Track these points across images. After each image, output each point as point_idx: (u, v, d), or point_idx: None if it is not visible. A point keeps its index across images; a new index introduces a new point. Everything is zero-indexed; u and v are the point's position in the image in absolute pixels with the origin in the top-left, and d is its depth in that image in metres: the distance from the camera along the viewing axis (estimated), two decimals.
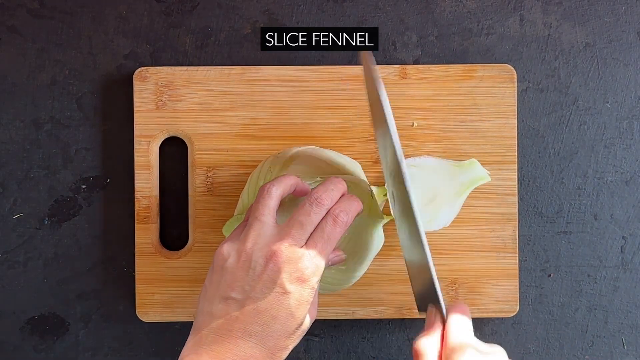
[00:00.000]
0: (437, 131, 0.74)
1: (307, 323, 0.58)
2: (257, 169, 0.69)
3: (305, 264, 0.56)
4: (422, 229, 0.60)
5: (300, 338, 0.58)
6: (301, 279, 0.56)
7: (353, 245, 0.64)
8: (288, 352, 0.57)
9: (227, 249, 0.58)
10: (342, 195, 0.61)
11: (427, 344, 0.56)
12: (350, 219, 0.60)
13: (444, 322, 0.58)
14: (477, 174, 0.71)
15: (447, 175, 0.71)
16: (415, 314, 0.74)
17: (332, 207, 0.59)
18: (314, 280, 0.57)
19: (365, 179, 0.70)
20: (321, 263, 0.57)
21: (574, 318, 0.77)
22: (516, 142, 0.74)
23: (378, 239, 0.67)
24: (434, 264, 0.60)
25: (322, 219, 0.59)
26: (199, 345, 0.55)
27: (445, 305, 0.59)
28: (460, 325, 0.57)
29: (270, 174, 0.66)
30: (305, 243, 0.57)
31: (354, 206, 0.60)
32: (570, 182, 0.76)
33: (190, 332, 0.57)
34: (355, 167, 0.70)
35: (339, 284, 0.66)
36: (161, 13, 0.76)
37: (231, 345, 0.55)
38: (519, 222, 0.75)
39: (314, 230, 0.58)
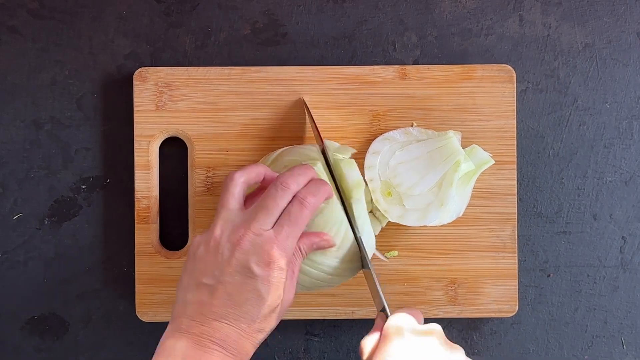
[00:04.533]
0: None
1: (283, 306, 0.59)
2: None
3: (272, 247, 0.57)
4: (363, 241, 0.64)
5: (277, 320, 0.59)
6: (268, 262, 0.57)
7: (344, 230, 0.64)
8: (266, 333, 0.58)
9: (199, 238, 0.60)
10: (313, 179, 0.62)
11: (367, 342, 0.59)
12: (318, 201, 0.60)
13: None
14: (481, 158, 0.71)
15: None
16: None
17: (299, 191, 0.60)
18: (282, 263, 0.57)
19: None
20: (289, 246, 0.58)
21: (573, 318, 0.77)
22: (515, 143, 0.74)
23: (369, 224, 0.67)
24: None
25: (289, 203, 0.60)
26: (177, 330, 0.57)
27: (388, 310, 0.61)
28: (395, 318, 0.58)
29: None
30: (272, 227, 0.58)
31: (322, 190, 0.61)
32: (569, 182, 0.77)
33: (170, 321, 0.59)
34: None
35: (338, 274, 0.65)
36: (161, 13, 0.76)
37: (206, 327, 0.56)
38: (518, 222, 0.75)
39: (281, 215, 0.59)
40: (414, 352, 0.55)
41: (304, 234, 0.61)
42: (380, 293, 0.62)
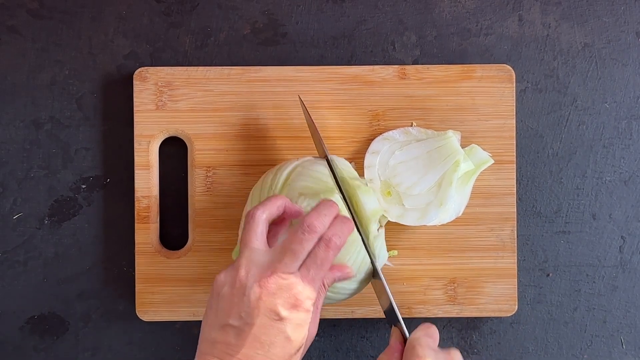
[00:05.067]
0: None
1: (307, 342, 0.60)
2: (257, 184, 0.69)
3: (299, 290, 0.57)
4: (375, 257, 0.65)
5: (301, 357, 0.59)
6: (295, 305, 0.57)
7: (362, 255, 0.65)
8: None
9: (223, 277, 0.59)
10: (336, 217, 0.62)
11: None
12: (343, 242, 0.61)
13: (405, 341, 0.62)
14: (480, 158, 0.71)
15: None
16: (414, 313, 0.74)
17: (325, 232, 0.60)
18: (308, 304, 0.58)
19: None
20: (315, 288, 0.59)
21: (572, 317, 0.77)
22: (515, 142, 0.75)
23: (384, 247, 0.68)
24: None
25: (315, 244, 0.60)
26: None
27: (405, 328, 0.63)
28: (419, 340, 0.59)
29: (272, 191, 0.66)
30: (299, 269, 0.59)
31: (347, 228, 0.61)
32: (568, 181, 0.77)
33: (195, 357, 0.59)
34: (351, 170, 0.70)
35: (352, 293, 0.66)
36: (161, 13, 0.76)
37: None
38: (517, 221, 0.75)
39: (307, 256, 0.59)
40: None
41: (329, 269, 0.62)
42: (396, 309, 0.63)
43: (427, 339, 0.60)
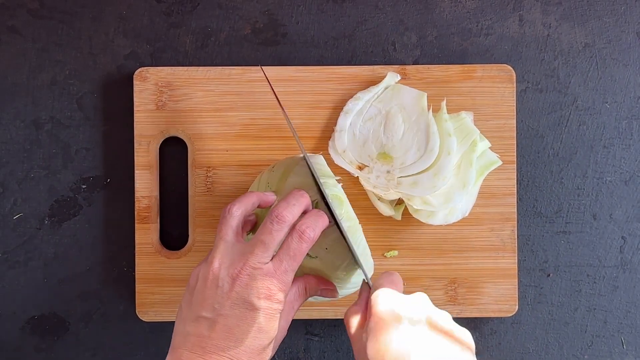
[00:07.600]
0: None
1: (279, 337, 0.60)
2: (254, 184, 0.68)
3: (272, 281, 0.58)
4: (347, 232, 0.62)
5: (274, 351, 0.60)
6: (268, 296, 0.57)
7: (339, 253, 0.64)
8: None
9: (197, 270, 0.60)
10: (310, 211, 0.62)
11: (353, 317, 0.58)
12: (316, 234, 0.60)
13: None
14: (489, 159, 0.71)
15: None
16: None
17: (298, 223, 0.60)
18: (281, 296, 0.58)
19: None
20: (288, 280, 0.59)
21: (573, 318, 0.77)
22: (515, 142, 0.75)
23: (363, 242, 0.67)
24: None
25: (288, 236, 0.60)
26: None
27: (370, 280, 0.61)
28: (386, 300, 0.57)
29: (269, 189, 0.66)
30: (272, 260, 0.59)
31: (321, 222, 0.61)
32: (569, 182, 0.77)
33: (168, 352, 0.59)
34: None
35: (340, 292, 0.66)
36: (161, 13, 0.76)
37: None
38: (518, 222, 0.75)
39: (280, 248, 0.59)
40: (414, 343, 0.54)
41: (315, 278, 0.63)
42: (361, 265, 0.62)
43: (390, 286, 0.58)
